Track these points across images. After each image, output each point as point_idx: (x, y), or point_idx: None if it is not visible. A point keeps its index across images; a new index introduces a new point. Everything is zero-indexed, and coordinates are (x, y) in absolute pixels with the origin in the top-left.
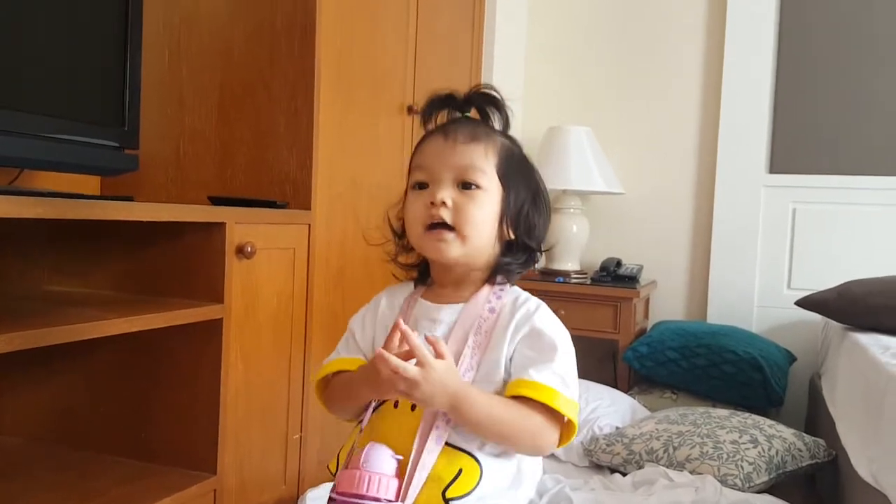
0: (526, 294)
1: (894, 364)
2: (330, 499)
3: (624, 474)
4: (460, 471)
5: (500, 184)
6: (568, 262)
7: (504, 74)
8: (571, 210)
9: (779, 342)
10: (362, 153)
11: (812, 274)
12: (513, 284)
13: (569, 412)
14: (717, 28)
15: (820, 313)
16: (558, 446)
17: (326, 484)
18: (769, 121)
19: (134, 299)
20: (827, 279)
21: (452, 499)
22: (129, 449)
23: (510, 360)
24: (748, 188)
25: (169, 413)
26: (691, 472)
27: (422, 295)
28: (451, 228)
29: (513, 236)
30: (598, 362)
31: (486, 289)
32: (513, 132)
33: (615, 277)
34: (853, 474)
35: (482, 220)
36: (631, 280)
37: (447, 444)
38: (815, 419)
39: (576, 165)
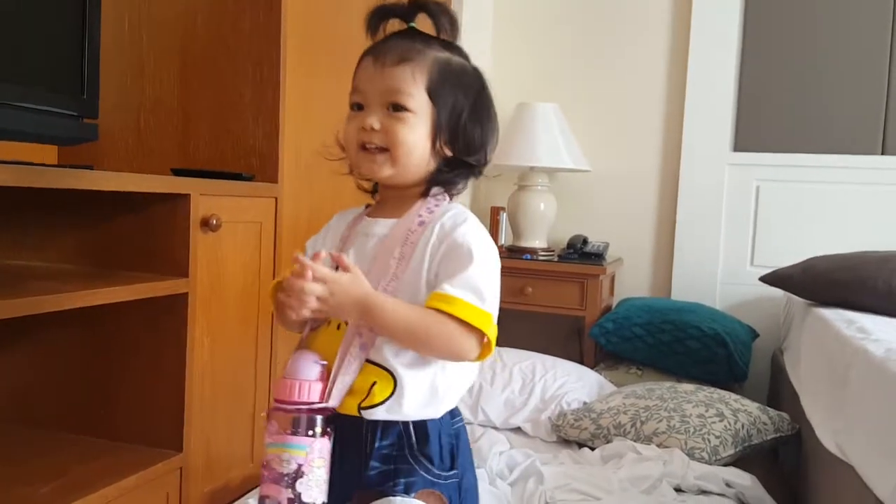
0: (458, 208)
1: (859, 337)
2: (270, 408)
3: (592, 449)
4: (374, 383)
5: (430, 102)
6: (535, 240)
7: (472, 50)
8: (539, 187)
9: (741, 318)
10: (328, 122)
11: (775, 251)
12: (452, 198)
13: (482, 325)
14: (683, 6)
15: (784, 289)
16: (478, 359)
17: None
18: (734, 99)
19: (94, 272)
20: (789, 256)
21: (365, 408)
22: (88, 427)
23: (435, 275)
24: (713, 166)
25: (131, 390)
26: (658, 446)
27: (366, 213)
28: (383, 150)
29: (449, 153)
30: (563, 339)
31: (420, 203)
32: None
33: (582, 255)
34: (816, 447)
35: (411, 141)
36: (597, 257)
37: (368, 360)
38: (778, 393)
39: (543, 142)
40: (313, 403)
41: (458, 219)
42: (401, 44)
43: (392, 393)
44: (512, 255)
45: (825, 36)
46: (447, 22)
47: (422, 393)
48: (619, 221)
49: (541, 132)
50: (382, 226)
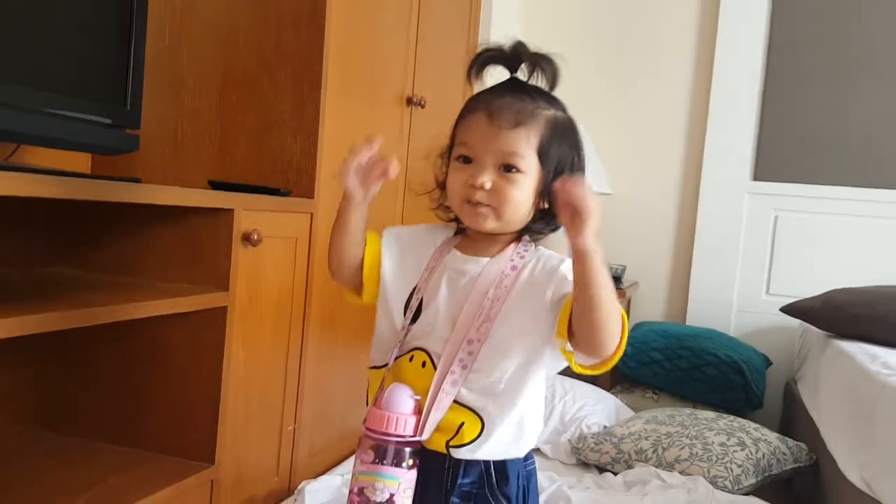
0: (550, 252)
1: (886, 374)
2: (362, 436)
3: (615, 473)
4: (462, 423)
5: (538, 162)
6: None
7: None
8: None
9: (755, 346)
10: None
11: (791, 281)
12: (538, 246)
13: (624, 318)
14: (707, 36)
15: (804, 320)
16: (614, 357)
17: (324, 476)
18: (755, 129)
19: (134, 283)
20: (805, 287)
21: (453, 447)
22: (123, 437)
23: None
24: (732, 194)
25: (166, 401)
26: (681, 473)
27: (455, 245)
28: (490, 207)
29: (547, 206)
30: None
31: (512, 247)
32: None
33: None
34: (836, 478)
35: (519, 201)
36: (615, 280)
37: (456, 402)
38: (792, 422)
39: None
40: (408, 436)
41: (554, 261)
42: (514, 105)
43: (480, 434)
44: None
45: (848, 68)
46: (551, 74)
47: (508, 434)
48: (637, 245)
49: None
50: (475, 264)
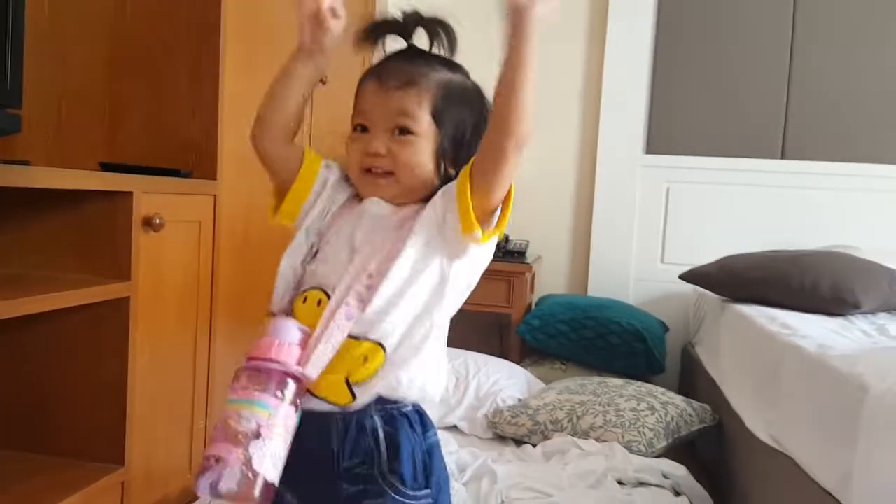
0: None
1: (786, 334)
2: (239, 367)
3: (533, 445)
4: (366, 357)
5: (433, 124)
6: None
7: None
8: None
9: (653, 313)
10: None
11: (683, 250)
12: None
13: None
14: (599, 17)
15: (701, 286)
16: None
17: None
18: (646, 105)
19: (26, 275)
20: (697, 255)
21: (355, 383)
22: (23, 442)
23: (444, 215)
24: (626, 168)
25: (69, 401)
26: (596, 440)
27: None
28: (387, 173)
29: (452, 172)
30: (484, 336)
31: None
32: None
33: (505, 253)
34: (743, 436)
35: (415, 163)
36: (520, 255)
37: (352, 336)
38: (692, 385)
39: None
40: (288, 365)
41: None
42: (404, 66)
43: (382, 365)
44: None
45: (731, 46)
46: (446, 39)
47: (408, 374)
48: (539, 221)
49: None
50: (380, 207)
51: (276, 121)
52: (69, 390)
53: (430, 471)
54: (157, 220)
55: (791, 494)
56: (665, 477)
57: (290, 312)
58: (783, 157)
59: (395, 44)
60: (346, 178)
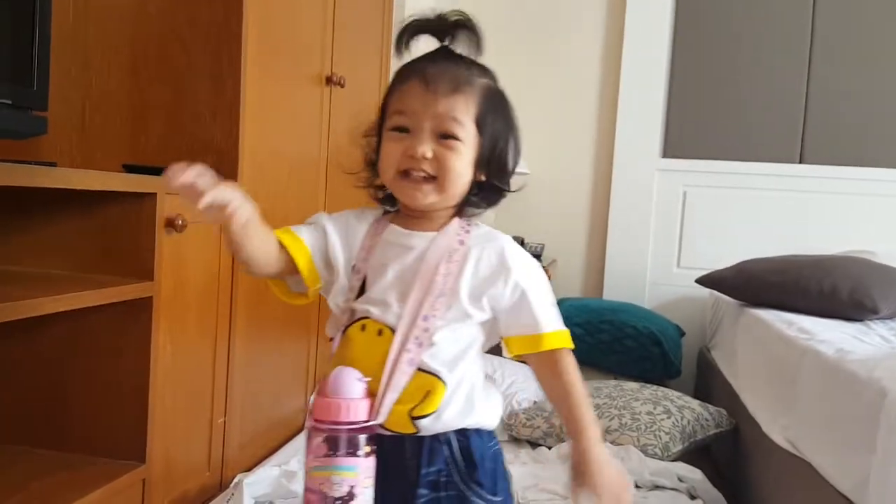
0: (492, 231)
1: (804, 338)
2: (311, 427)
3: (548, 447)
4: (428, 392)
5: (476, 131)
6: None
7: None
8: None
9: (669, 317)
10: (282, 124)
11: (700, 254)
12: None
13: (568, 343)
14: (616, 18)
15: (718, 290)
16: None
17: (260, 469)
18: (663, 108)
19: (50, 275)
20: (714, 259)
21: (418, 417)
22: (45, 439)
23: (483, 294)
24: (643, 172)
25: (90, 399)
26: (612, 443)
27: (391, 220)
28: (429, 179)
29: (484, 178)
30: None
31: (456, 222)
32: None
33: None
34: (759, 440)
35: (459, 171)
36: (535, 258)
37: (417, 368)
38: (707, 389)
39: None
40: (361, 423)
41: (498, 240)
42: (451, 70)
43: (444, 400)
44: None
45: (749, 50)
46: (476, 42)
47: (460, 402)
48: (554, 224)
49: None
50: (421, 238)
51: (261, 261)
52: (92, 388)
53: (497, 475)
54: (180, 221)
55: (808, 499)
56: (681, 480)
57: (348, 342)
58: (801, 161)
59: (418, 44)
60: (348, 217)
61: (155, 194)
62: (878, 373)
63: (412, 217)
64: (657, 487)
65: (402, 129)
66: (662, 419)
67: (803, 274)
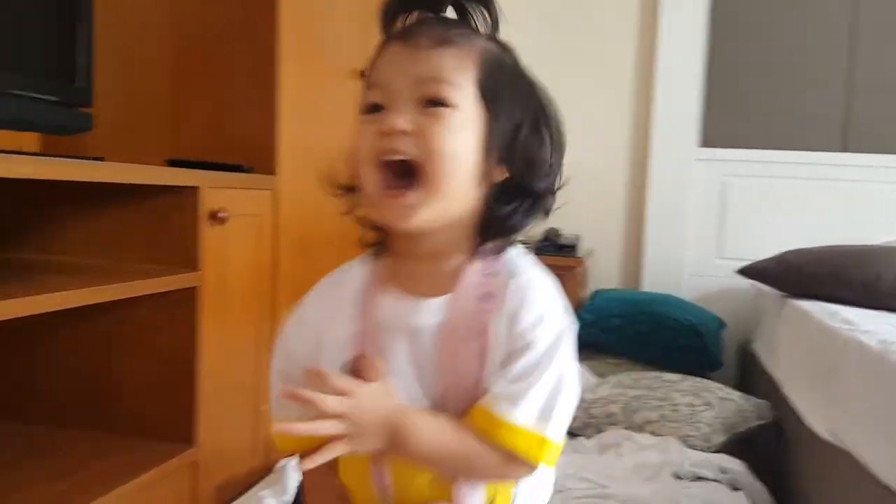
0: (518, 264)
1: (847, 329)
2: None
3: (586, 438)
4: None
5: (482, 103)
6: None
7: None
8: None
9: (709, 309)
10: (316, 119)
11: (741, 244)
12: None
13: (536, 456)
14: (651, 3)
15: (760, 281)
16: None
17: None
18: (701, 96)
19: (99, 265)
20: (755, 250)
21: None
22: (94, 422)
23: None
24: (680, 161)
25: (141, 383)
26: (651, 434)
27: (384, 281)
28: (411, 176)
29: (507, 174)
30: None
31: (475, 268)
32: None
33: (557, 247)
34: (802, 433)
35: (455, 150)
36: (571, 249)
37: None
38: (749, 381)
39: None
40: None
41: (522, 284)
42: (439, 24)
43: (513, 500)
44: None
45: (789, 35)
46: (489, 15)
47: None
48: (590, 214)
49: None
50: (429, 312)
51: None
52: (142, 374)
53: None
54: (222, 214)
55: (851, 491)
56: (723, 472)
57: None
58: (844, 149)
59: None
60: (317, 311)
61: (198, 188)
62: None
63: (411, 264)
64: (699, 478)
65: (376, 108)
66: (703, 411)
67: (846, 264)
